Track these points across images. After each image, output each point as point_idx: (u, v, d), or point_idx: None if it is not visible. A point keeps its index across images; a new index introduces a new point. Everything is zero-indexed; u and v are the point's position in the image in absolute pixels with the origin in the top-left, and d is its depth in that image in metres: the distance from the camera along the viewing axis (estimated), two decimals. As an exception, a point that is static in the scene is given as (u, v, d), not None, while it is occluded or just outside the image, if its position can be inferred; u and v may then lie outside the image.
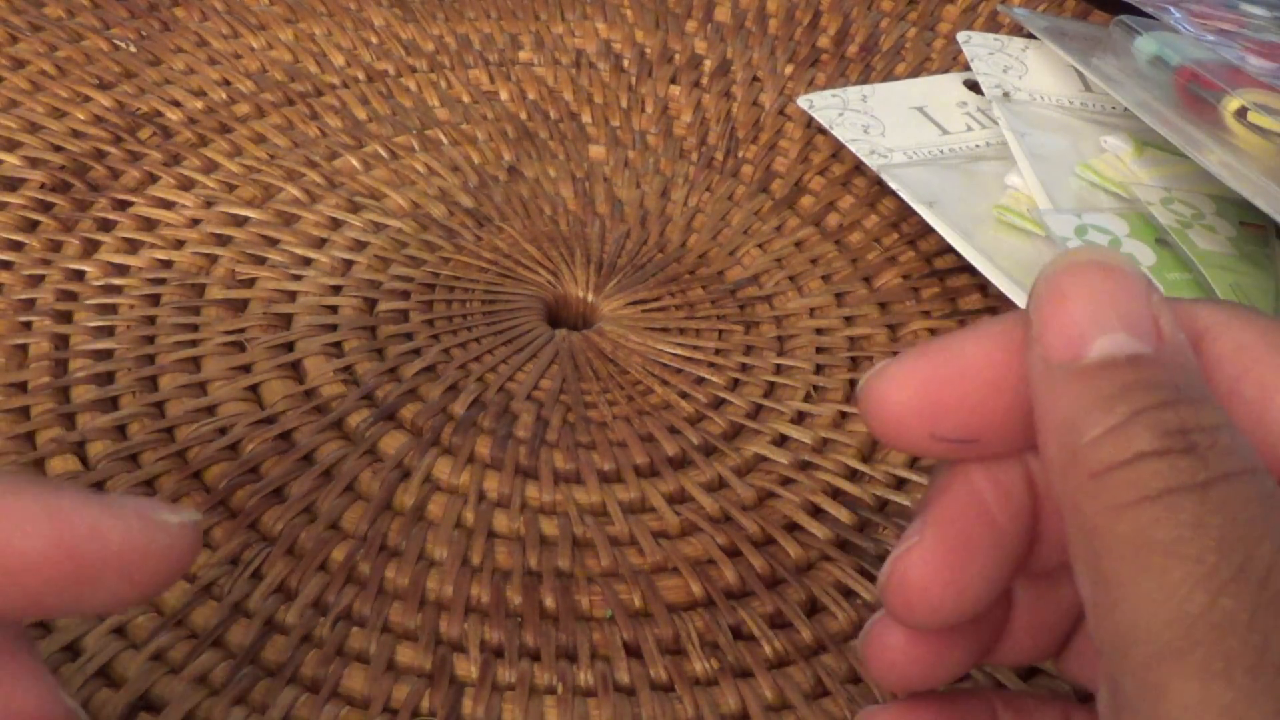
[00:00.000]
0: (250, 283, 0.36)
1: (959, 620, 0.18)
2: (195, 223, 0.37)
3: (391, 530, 0.29)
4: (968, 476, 0.18)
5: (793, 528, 0.30)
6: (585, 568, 0.29)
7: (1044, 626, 0.20)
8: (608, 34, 0.48)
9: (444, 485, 0.30)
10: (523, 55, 0.47)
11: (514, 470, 0.31)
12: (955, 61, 0.48)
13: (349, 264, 0.37)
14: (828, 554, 0.30)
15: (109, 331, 0.33)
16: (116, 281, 0.35)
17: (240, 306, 0.35)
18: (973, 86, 0.46)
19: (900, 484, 0.32)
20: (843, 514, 0.31)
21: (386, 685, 0.26)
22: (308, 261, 0.36)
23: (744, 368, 0.35)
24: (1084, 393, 0.16)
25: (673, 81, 0.46)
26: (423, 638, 0.27)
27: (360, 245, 0.37)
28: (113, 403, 0.32)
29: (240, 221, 0.38)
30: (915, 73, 0.48)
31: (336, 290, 0.36)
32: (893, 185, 0.39)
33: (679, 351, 0.35)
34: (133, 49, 0.44)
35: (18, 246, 0.35)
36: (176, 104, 0.42)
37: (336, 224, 0.38)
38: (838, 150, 0.43)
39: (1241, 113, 0.36)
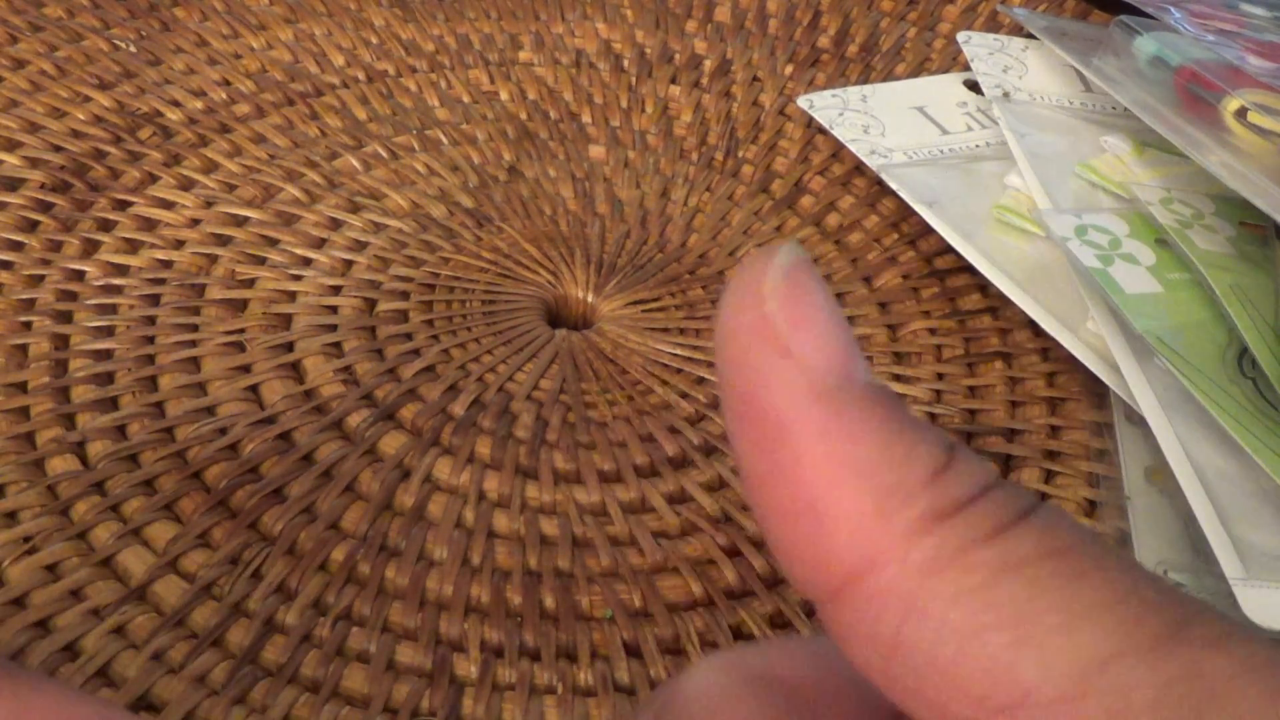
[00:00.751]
0: (250, 283, 0.36)
1: None
2: (195, 223, 0.37)
3: (391, 530, 0.29)
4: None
5: (793, 528, 0.30)
6: (585, 568, 0.29)
7: None
8: (608, 34, 0.48)
9: (444, 485, 0.30)
10: (523, 55, 0.47)
11: (514, 470, 0.31)
12: (955, 61, 0.48)
13: (349, 264, 0.37)
14: (828, 554, 0.30)
15: (109, 331, 0.33)
16: (116, 281, 0.35)
17: (240, 306, 0.35)
18: (973, 86, 0.46)
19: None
20: (843, 514, 0.31)
21: (386, 685, 0.26)
22: (308, 261, 0.36)
23: (744, 368, 0.35)
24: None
25: (673, 81, 0.46)
26: (423, 638, 0.27)
27: (360, 245, 0.37)
28: (113, 403, 0.32)
29: (240, 221, 0.38)
30: (915, 73, 0.48)
31: (336, 290, 0.36)
32: (893, 185, 0.39)
33: (679, 351, 0.35)
34: (133, 49, 0.44)
35: (18, 246, 0.35)
36: (176, 104, 0.42)
37: (336, 224, 0.38)
38: (838, 150, 0.43)
39: (1241, 113, 0.36)
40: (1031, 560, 0.12)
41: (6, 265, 0.35)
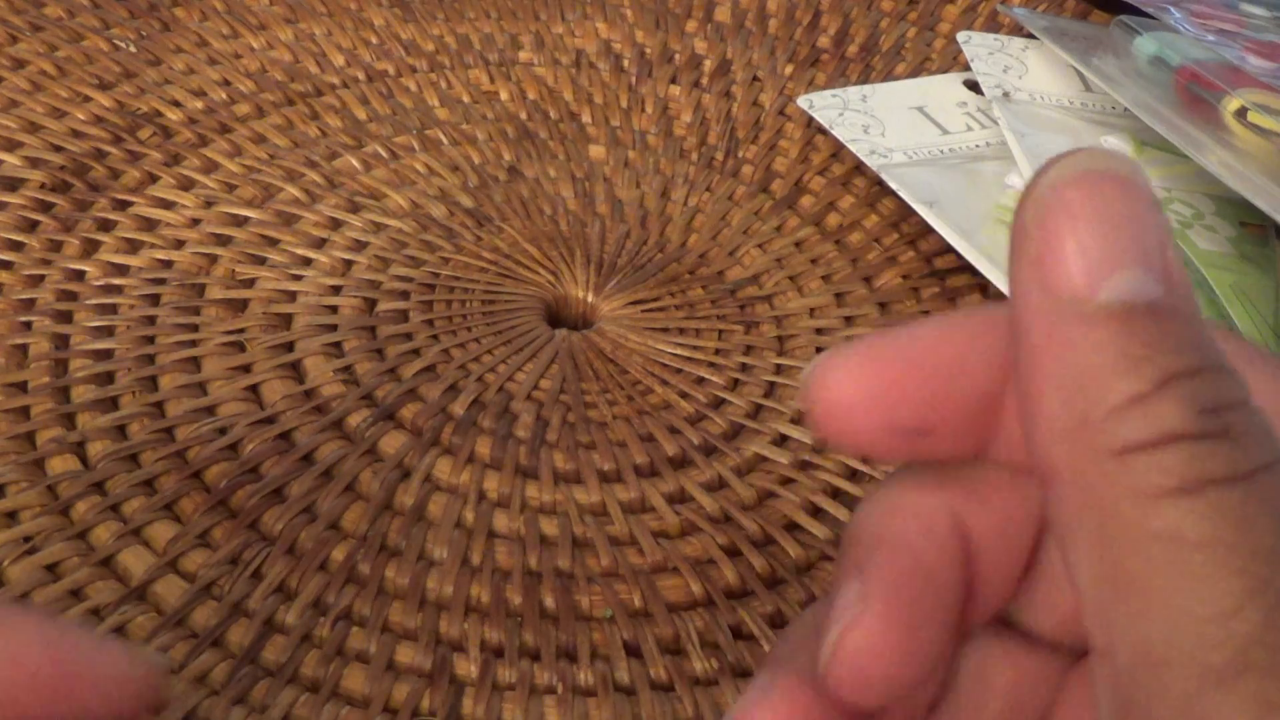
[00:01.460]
0: (250, 283, 0.36)
1: (908, 693, 0.16)
2: (195, 223, 0.37)
3: (391, 530, 0.29)
4: (897, 528, 0.16)
5: (793, 528, 0.30)
6: (585, 568, 0.29)
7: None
8: (608, 34, 0.48)
9: (444, 485, 0.30)
10: (523, 55, 0.47)
11: (514, 470, 0.31)
12: (955, 61, 0.48)
13: (349, 264, 0.37)
14: (828, 554, 0.30)
15: (109, 331, 0.33)
16: (116, 281, 0.35)
17: (240, 306, 0.35)
18: (973, 86, 0.46)
19: (900, 484, 0.32)
20: (843, 514, 0.31)
21: (386, 685, 0.26)
22: (308, 261, 0.36)
23: (744, 368, 0.35)
24: (1102, 345, 0.13)
25: (673, 81, 0.46)
26: (423, 638, 0.27)
27: (360, 245, 0.37)
28: (113, 403, 0.32)
29: (240, 221, 0.38)
30: (915, 73, 0.48)
31: (336, 290, 0.36)
32: (893, 185, 0.39)
33: (679, 351, 0.35)
34: (133, 49, 0.44)
35: (18, 246, 0.35)
36: (176, 104, 0.42)
37: (336, 224, 0.38)
38: (838, 150, 0.43)
39: (1241, 113, 0.36)
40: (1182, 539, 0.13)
41: (6, 265, 0.35)
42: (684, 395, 0.34)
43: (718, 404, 0.34)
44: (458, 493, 0.30)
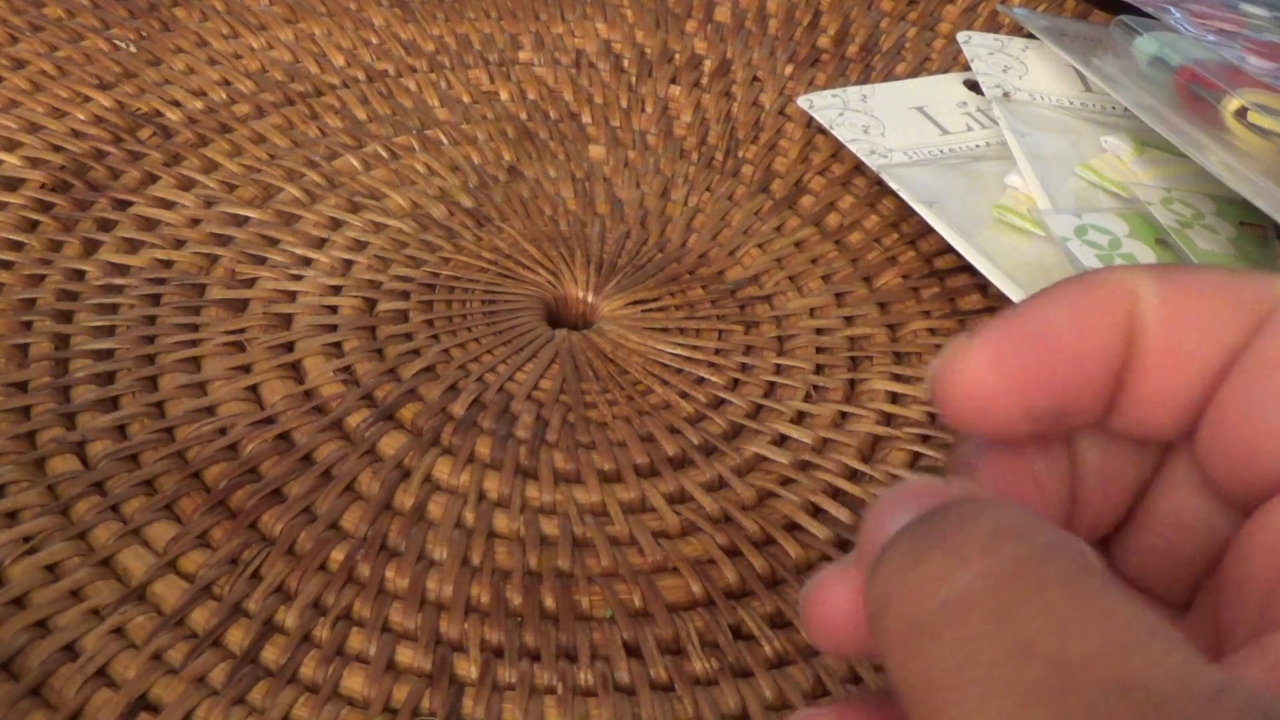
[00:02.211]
0: (250, 283, 0.36)
1: (1010, 429, 0.16)
2: (195, 223, 0.37)
3: (391, 531, 0.29)
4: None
5: (793, 528, 0.30)
6: (585, 568, 0.29)
7: (1112, 489, 0.18)
8: (608, 34, 0.48)
9: (444, 485, 0.30)
10: (523, 55, 0.47)
11: (514, 470, 0.31)
12: (955, 61, 0.48)
13: (349, 264, 0.37)
14: (828, 554, 0.30)
15: (109, 331, 0.33)
16: (116, 281, 0.35)
17: (240, 306, 0.35)
18: (973, 86, 0.46)
19: (900, 484, 0.32)
20: (843, 514, 0.31)
21: (386, 685, 0.26)
22: (308, 261, 0.36)
23: (744, 368, 0.35)
24: (873, 573, 0.14)
25: (673, 81, 0.46)
26: (423, 638, 0.27)
27: (360, 245, 0.37)
28: (113, 403, 0.32)
29: (240, 221, 0.38)
30: (915, 73, 0.48)
31: (336, 290, 0.36)
32: (893, 185, 0.39)
33: (679, 351, 0.35)
34: (133, 49, 0.44)
35: (18, 246, 0.35)
36: (176, 104, 0.42)
37: (336, 224, 0.38)
38: (838, 150, 0.43)
39: (1241, 113, 0.36)
40: None
41: (6, 265, 0.35)
42: (684, 395, 0.34)
43: (718, 404, 0.33)
44: (458, 493, 0.30)
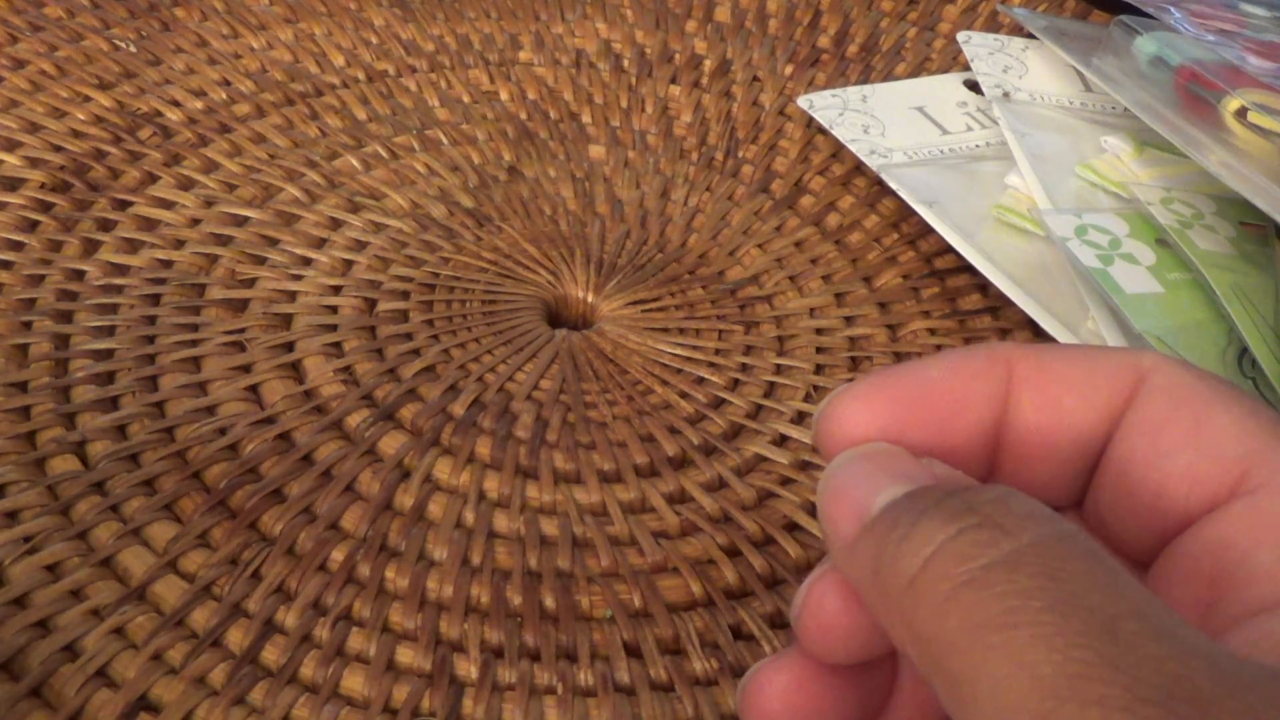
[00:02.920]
0: (250, 283, 0.36)
1: (872, 653, 0.18)
2: (195, 223, 0.37)
3: (391, 531, 0.29)
4: None
5: (793, 528, 0.30)
6: (585, 568, 0.29)
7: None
8: (608, 34, 0.48)
9: (444, 485, 0.30)
10: (523, 55, 0.47)
11: (514, 470, 0.31)
12: (955, 61, 0.48)
13: (349, 264, 0.37)
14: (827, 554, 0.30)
15: (109, 331, 0.33)
16: (116, 281, 0.35)
17: (240, 306, 0.35)
18: (973, 86, 0.46)
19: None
20: (843, 514, 0.31)
21: (386, 685, 0.26)
22: (308, 261, 0.36)
23: (744, 368, 0.35)
24: (875, 538, 0.16)
25: (673, 81, 0.46)
26: (423, 638, 0.27)
27: (360, 245, 0.37)
28: (113, 403, 0.32)
29: (240, 221, 0.38)
30: (915, 73, 0.48)
31: (336, 290, 0.36)
32: (893, 185, 0.39)
33: (679, 351, 0.35)
34: (133, 49, 0.44)
35: (18, 246, 0.35)
36: (176, 104, 0.42)
37: (336, 224, 0.38)
38: (838, 150, 0.43)
39: (1241, 113, 0.36)
40: None
41: (6, 265, 0.35)
42: (684, 395, 0.34)
43: (718, 404, 0.33)
44: (458, 493, 0.30)
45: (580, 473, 0.31)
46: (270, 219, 0.38)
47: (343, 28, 0.46)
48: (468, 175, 0.41)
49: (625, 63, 0.47)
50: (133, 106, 0.41)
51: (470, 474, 0.30)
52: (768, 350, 0.35)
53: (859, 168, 0.43)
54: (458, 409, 0.32)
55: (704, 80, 0.47)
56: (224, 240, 0.37)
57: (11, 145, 0.39)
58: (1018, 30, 0.48)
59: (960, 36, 0.47)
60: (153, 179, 0.39)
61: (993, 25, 0.50)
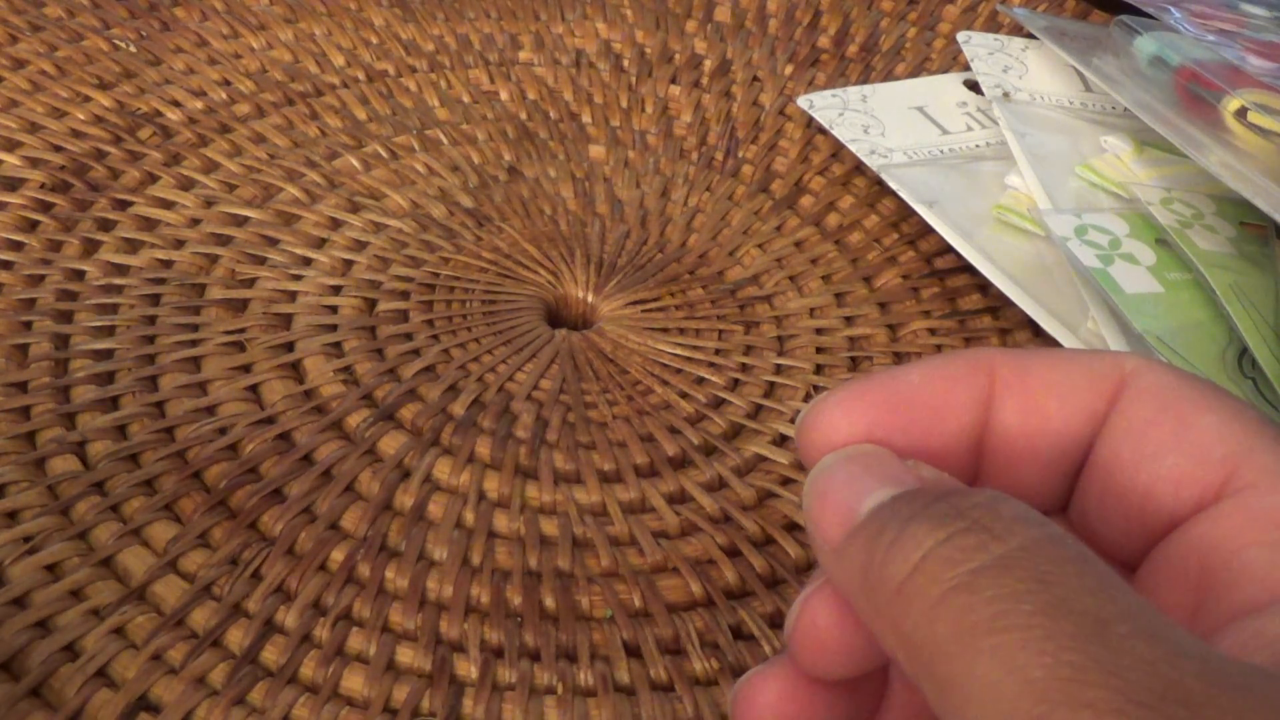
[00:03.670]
0: (250, 283, 0.36)
1: (866, 668, 0.18)
2: (195, 223, 0.37)
3: (391, 530, 0.29)
4: None
5: (793, 528, 0.30)
6: (585, 568, 0.29)
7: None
8: (608, 34, 0.48)
9: (444, 485, 0.30)
10: (523, 55, 0.47)
11: (514, 470, 0.31)
12: (955, 61, 0.48)
13: (349, 264, 0.37)
14: (828, 554, 0.30)
15: (109, 331, 0.33)
16: (116, 281, 0.35)
17: (240, 306, 0.35)
18: (973, 86, 0.46)
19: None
20: (843, 514, 0.31)
21: (386, 685, 0.26)
22: (308, 261, 0.36)
23: (744, 368, 0.35)
24: (863, 542, 0.16)
25: (673, 81, 0.46)
26: (423, 638, 0.27)
27: (360, 245, 0.37)
28: (113, 403, 0.32)
29: (240, 221, 0.38)
30: (915, 73, 0.48)
31: (336, 290, 0.36)
32: (893, 185, 0.39)
33: (679, 351, 0.35)
34: (133, 49, 0.44)
35: (18, 246, 0.35)
36: (176, 104, 0.42)
37: (336, 224, 0.38)
38: (838, 150, 0.43)
39: (1241, 113, 0.36)
40: None
41: (6, 265, 0.35)
42: (684, 395, 0.34)
43: (718, 404, 0.33)
44: (458, 493, 0.30)
45: (580, 473, 0.31)
46: (270, 219, 0.38)
47: (343, 28, 0.46)
48: (468, 175, 0.41)
49: (625, 63, 0.47)
50: (133, 106, 0.41)
51: (470, 474, 0.30)
52: (768, 350, 0.35)
53: (859, 168, 0.43)
54: (458, 409, 0.32)
55: (704, 80, 0.47)
56: (224, 240, 0.37)
57: (11, 145, 0.39)
58: (1018, 30, 0.48)
59: (960, 36, 0.47)
60: (153, 179, 0.39)
61: (993, 25, 0.50)
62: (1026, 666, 0.13)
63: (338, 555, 0.28)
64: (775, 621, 0.28)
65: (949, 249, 0.38)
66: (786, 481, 0.31)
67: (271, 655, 0.26)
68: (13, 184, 0.37)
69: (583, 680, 0.26)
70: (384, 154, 0.41)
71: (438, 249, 0.37)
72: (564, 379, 0.34)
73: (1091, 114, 0.43)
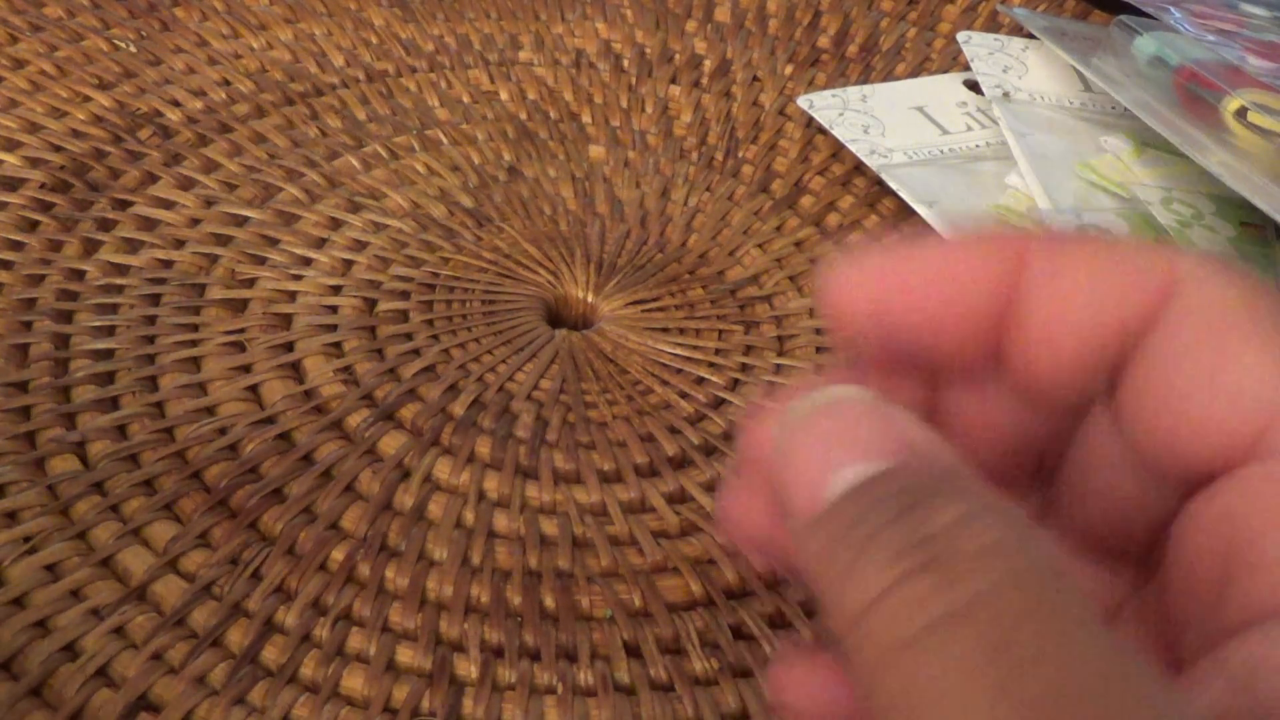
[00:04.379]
0: (250, 283, 0.36)
1: (882, 343, 0.17)
2: (195, 223, 0.37)
3: (391, 530, 0.29)
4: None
5: (793, 528, 0.30)
6: (585, 568, 0.29)
7: None
8: (608, 34, 0.48)
9: (444, 485, 0.30)
10: (523, 55, 0.47)
11: (514, 470, 0.31)
12: (955, 61, 0.48)
13: (349, 264, 0.37)
14: (828, 554, 0.30)
15: (109, 331, 0.33)
16: (116, 281, 0.35)
17: (240, 306, 0.35)
18: (973, 86, 0.46)
19: (900, 484, 0.32)
20: (843, 514, 0.31)
21: (386, 685, 0.26)
22: (308, 261, 0.36)
23: (744, 368, 0.35)
24: (824, 542, 0.14)
25: (673, 81, 0.46)
26: (423, 638, 0.27)
27: (360, 245, 0.37)
28: (113, 403, 0.32)
29: (240, 221, 0.38)
30: (915, 73, 0.48)
31: (336, 290, 0.36)
32: (893, 185, 0.39)
33: (679, 351, 0.35)
34: (133, 49, 0.44)
35: (18, 246, 0.35)
36: (176, 104, 0.42)
37: (336, 224, 0.38)
38: (838, 150, 0.43)
39: (1241, 113, 0.36)
40: None
41: (6, 265, 0.35)
42: (684, 395, 0.34)
43: (718, 404, 0.34)
44: (458, 493, 0.30)
45: (580, 473, 0.31)
46: (270, 219, 0.38)
47: (343, 28, 0.46)
48: (468, 175, 0.41)
49: (625, 63, 0.47)
50: (133, 106, 0.41)
51: (470, 474, 0.30)
52: (768, 350, 0.35)
53: (859, 168, 0.43)
54: (458, 409, 0.32)
55: (704, 80, 0.47)
56: (224, 240, 0.37)
57: (11, 145, 0.39)
58: (1018, 30, 0.48)
59: (960, 36, 0.47)
60: (153, 179, 0.39)
61: (993, 25, 0.50)
62: None
63: (338, 555, 0.28)
64: (775, 621, 0.28)
65: (949, 249, 0.38)
66: (786, 481, 0.31)
67: (271, 655, 0.26)
68: (13, 184, 0.37)
69: (583, 680, 0.26)
70: (384, 154, 0.41)
71: (438, 249, 0.37)
72: (564, 379, 0.34)
73: (1091, 114, 0.43)
